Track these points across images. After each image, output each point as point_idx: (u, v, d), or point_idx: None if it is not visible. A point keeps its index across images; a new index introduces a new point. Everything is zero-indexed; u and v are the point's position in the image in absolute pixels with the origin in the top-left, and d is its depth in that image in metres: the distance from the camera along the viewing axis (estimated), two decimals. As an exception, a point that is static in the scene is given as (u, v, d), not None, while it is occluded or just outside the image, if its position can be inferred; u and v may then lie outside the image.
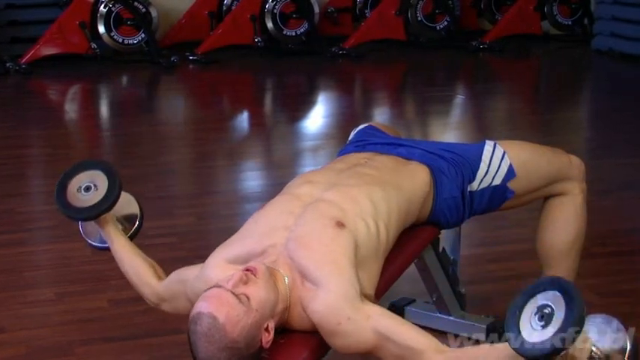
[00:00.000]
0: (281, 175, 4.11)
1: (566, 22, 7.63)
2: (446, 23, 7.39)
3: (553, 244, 2.33)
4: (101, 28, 6.59)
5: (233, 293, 1.70)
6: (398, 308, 2.61)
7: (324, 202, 1.93)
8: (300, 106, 5.77)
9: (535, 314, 1.58)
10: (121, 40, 6.66)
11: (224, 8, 7.08)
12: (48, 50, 6.48)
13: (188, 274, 1.97)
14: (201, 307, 1.69)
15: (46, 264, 3.17)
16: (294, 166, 4.39)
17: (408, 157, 2.20)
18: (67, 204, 2.17)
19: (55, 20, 6.52)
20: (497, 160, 2.23)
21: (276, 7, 6.96)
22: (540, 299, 1.59)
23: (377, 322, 1.75)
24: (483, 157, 2.23)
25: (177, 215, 3.58)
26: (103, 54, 6.60)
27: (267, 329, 1.73)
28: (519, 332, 1.58)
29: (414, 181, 2.13)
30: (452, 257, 2.53)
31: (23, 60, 6.39)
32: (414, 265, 2.39)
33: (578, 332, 1.54)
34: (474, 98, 6.15)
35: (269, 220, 1.92)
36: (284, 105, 5.99)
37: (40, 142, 4.98)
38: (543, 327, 1.56)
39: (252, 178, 4.30)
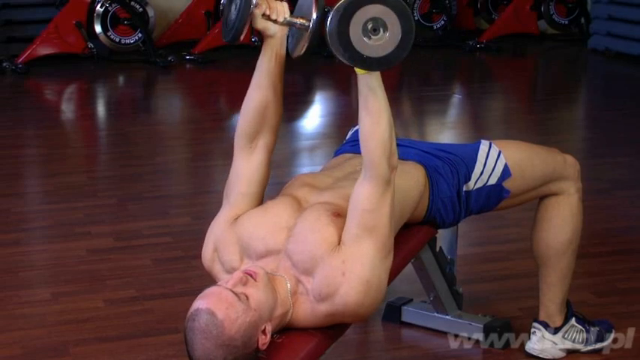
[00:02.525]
0: (278, 174, 4.09)
1: (563, 22, 7.63)
2: (442, 23, 7.39)
3: (549, 244, 2.33)
4: (98, 28, 6.58)
5: (232, 291, 1.70)
6: (395, 308, 2.61)
7: (323, 203, 1.94)
8: (297, 105, 5.76)
9: (368, 38, 1.69)
10: (117, 40, 6.65)
11: (221, 8, 7.07)
12: (44, 50, 6.47)
13: (236, 202, 1.94)
14: (200, 304, 1.69)
15: (42, 264, 3.16)
16: (290, 165, 4.38)
17: (404, 158, 2.20)
18: (224, 21, 1.93)
19: (51, 20, 6.52)
20: (493, 159, 2.23)
21: (273, 6, 6.95)
22: (356, 30, 1.68)
23: (349, 236, 1.79)
24: (479, 157, 2.23)
25: (173, 215, 3.58)
26: (99, 54, 6.60)
27: (264, 331, 1.73)
28: (377, 55, 1.69)
29: (408, 180, 2.13)
30: (449, 257, 2.53)
31: (20, 60, 6.38)
32: (411, 264, 2.39)
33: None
34: (470, 98, 6.15)
35: (275, 215, 1.91)
36: (280, 104, 5.97)
37: (36, 141, 4.97)
38: (385, 30, 1.69)
39: (248, 178, 4.28)
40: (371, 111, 1.78)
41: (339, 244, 1.82)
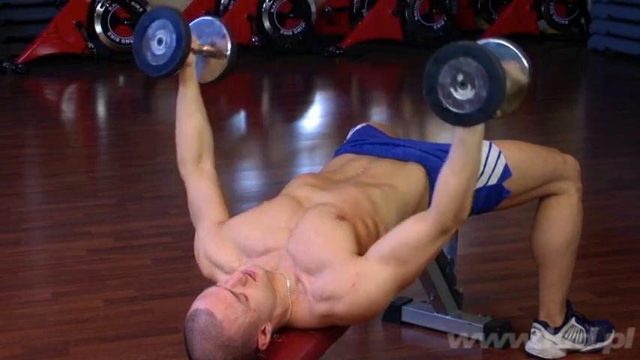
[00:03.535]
0: (277, 174, 4.11)
1: (563, 22, 7.64)
2: (443, 23, 7.38)
3: (549, 244, 2.33)
4: (98, 28, 6.59)
5: (232, 292, 1.70)
6: (395, 307, 2.60)
7: (324, 204, 1.94)
8: (297, 105, 5.77)
9: (454, 88, 1.62)
10: (117, 40, 6.65)
11: (221, 8, 7.07)
12: (44, 50, 6.47)
13: (209, 214, 1.96)
14: (199, 304, 1.69)
15: (42, 264, 3.16)
16: (290, 165, 4.39)
17: (404, 158, 2.20)
18: (144, 60, 2.02)
19: (51, 20, 6.52)
20: (493, 159, 2.23)
21: (273, 6, 6.96)
22: (446, 75, 1.62)
23: (378, 252, 1.78)
24: (479, 157, 2.23)
25: (173, 215, 3.57)
26: (99, 54, 6.60)
27: (263, 332, 1.73)
28: (456, 110, 1.62)
29: (410, 181, 2.13)
30: (449, 256, 2.53)
31: (20, 60, 6.38)
32: (411, 264, 2.39)
33: (503, 69, 1.61)
34: (470, 98, 6.14)
35: (273, 216, 1.91)
36: (281, 104, 5.99)
37: (37, 141, 4.97)
38: (472, 88, 1.60)
39: (248, 178, 4.29)
40: (453, 162, 1.72)
41: (354, 252, 1.80)
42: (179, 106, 2.07)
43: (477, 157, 1.72)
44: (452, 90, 1.62)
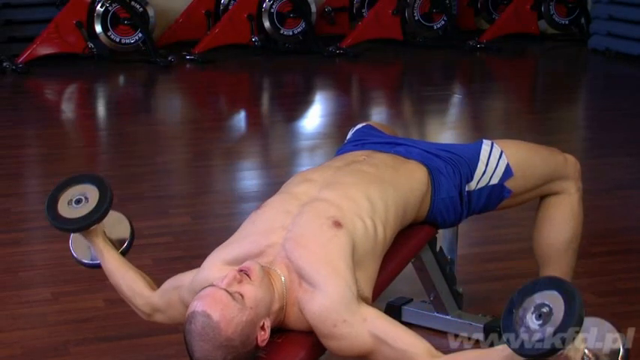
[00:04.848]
0: (277, 174, 4.11)
1: (563, 22, 7.64)
2: (443, 22, 7.39)
3: (550, 243, 2.33)
4: (98, 28, 6.59)
5: (227, 291, 1.70)
6: (395, 308, 2.61)
7: (322, 201, 1.93)
8: (297, 105, 5.77)
9: (532, 313, 1.58)
10: (117, 40, 6.65)
11: (221, 8, 7.07)
12: (45, 50, 6.47)
13: (183, 279, 1.96)
14: (196, 306, 1.69)
15: (42, 264, 3.16)
16: (290, 165, 4.39)
17: (407, 157, 2.20)
18: (58, 216, 2.17)
19: (51, 20, 6.52)
20: (495, 159, 2.23)
21: (273, 6, 6.96)
22: (538, 298, 1.59)
23: (373, 325, 1.75)
24: (481, 157, 2.23)
25: (173, 215, 3.58)
26: (99, 53, 6.60)
27: (262, 327, 1.73)
28: (517, 332, 1.58)
29: (411, 180, 2.13)
30: (449, 256, 2.53)
31: (20, 59, 6.38)
32: (412, 264, 2.39)
33: (578, 332, 1.54)
34: (470, 97, 6.15)
35: (267, 220, 1.92)
36: (281, 104, 5.98)
37: (37, 141, 4.97)
38: (541, 325, 1.56)
39: (248, 178, 4.30)
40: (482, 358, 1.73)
41: (353, 285, 1.78)
42: (110, 265, 2.13)
43: None
44: (530, 311, 1.58)
